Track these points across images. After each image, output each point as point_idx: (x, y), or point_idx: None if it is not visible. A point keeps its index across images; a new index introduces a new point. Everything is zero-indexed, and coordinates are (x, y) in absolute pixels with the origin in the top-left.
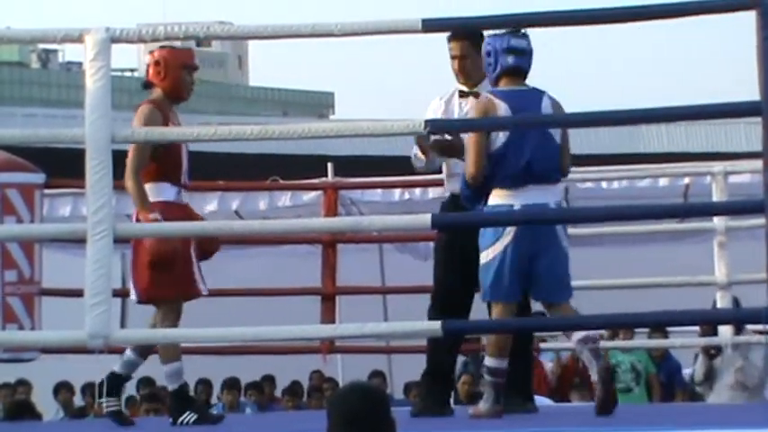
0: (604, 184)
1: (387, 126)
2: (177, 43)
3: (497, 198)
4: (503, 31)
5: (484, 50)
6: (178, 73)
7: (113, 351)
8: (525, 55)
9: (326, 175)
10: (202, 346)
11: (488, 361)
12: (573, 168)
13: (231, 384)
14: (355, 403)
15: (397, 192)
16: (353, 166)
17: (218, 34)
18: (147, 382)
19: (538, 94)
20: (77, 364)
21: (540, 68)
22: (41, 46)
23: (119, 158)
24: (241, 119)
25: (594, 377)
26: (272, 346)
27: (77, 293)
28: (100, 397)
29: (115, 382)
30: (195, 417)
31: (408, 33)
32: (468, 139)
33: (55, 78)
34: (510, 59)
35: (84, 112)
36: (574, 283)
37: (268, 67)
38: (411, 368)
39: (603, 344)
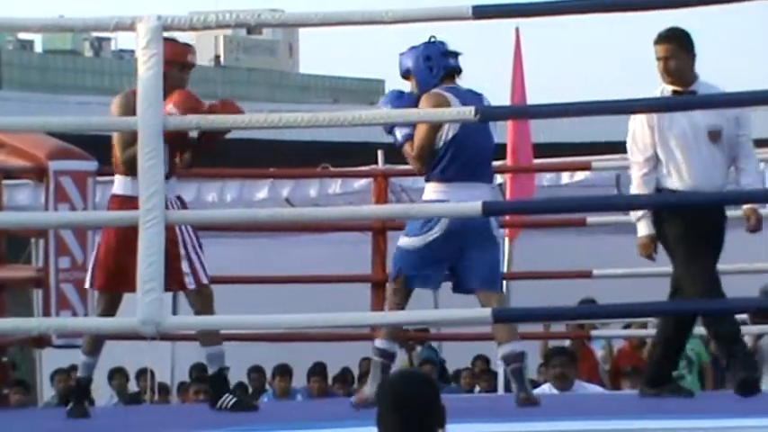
0: None
1: (437, 113)
2: (212, 34)
3: (431, 193)
4: (429, 40)
5: (420, 56)
6: (165, 67)
7: (165, 337)
8: (457, 57)
9: (377, 163)
10: (255, 333)
11: (378, 342)
12: (625, 155)
13: (282, 371)
14: (405, 390)
15: None
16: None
17: (268, 22)
18: (200, 368)
19: (478, 94)
20: (130, 350)
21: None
22: (94, 34)
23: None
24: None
25: (515, 400)
26: (322, 333)
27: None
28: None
29: None
30: (234, 401)
31: (459, 20)
32: (419, 130)
33: (107, 66)
34: (451, 61)
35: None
36: (620, 270)
37: (319, 55)
38: (461, 355)
39: (654, 331)
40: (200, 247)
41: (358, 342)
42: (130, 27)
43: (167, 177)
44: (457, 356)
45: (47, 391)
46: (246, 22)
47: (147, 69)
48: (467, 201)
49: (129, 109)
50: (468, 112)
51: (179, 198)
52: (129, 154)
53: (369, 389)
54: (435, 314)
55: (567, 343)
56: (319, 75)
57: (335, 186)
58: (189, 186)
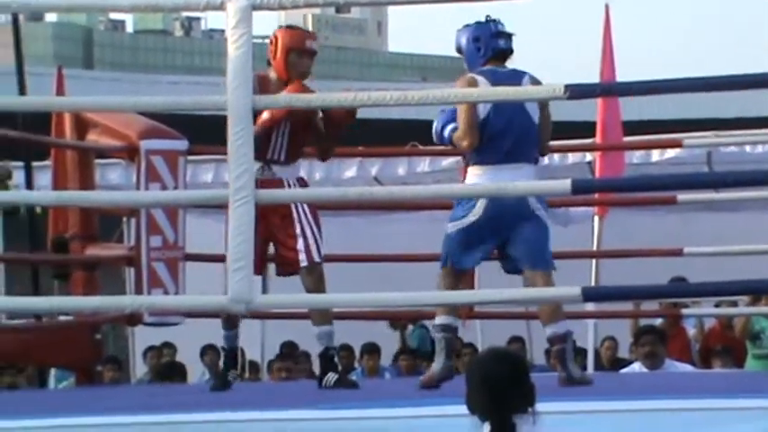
0: (748, 148)
1: (527, 91)
2: (312, 18)
3: (473, 176)
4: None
5: (470, 36)
6: (284, 55)
7: (256, 316)
8: (511, 38)
9: None
10: (344, 312)
11: (439, 319)
12: (716, 132)
13: (371, 349)
14: (494, 368)
15: None
16: None
17: (357, 1)
18: (290, 345)
19: (519, 73)
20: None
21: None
22: (184, 14)
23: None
24: (380, 85)
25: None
26: (412, 312)
27: (220, 258)
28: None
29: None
30: (336, 378)
31: None
32: (460, 111)
33: (197, 46)
34: (501, 42)
35: (226, 80)
36: (711, 248)
37: (407, 33)
38: (498, 335)
39: (746, 310)
40: (318, 225)
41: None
42: (220, 6)
43: (288, 162)
44: (493, 337)
45: (139, 368)
46: (335, 1)
47: (237, 49)
48: (508, 182)
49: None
50: (559, 89)
51: (300, 179)
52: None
53: (436, 365)
54: (523, 293)
55: (658, 322)
56: (408, 53)
57: (424, 165)
58: None
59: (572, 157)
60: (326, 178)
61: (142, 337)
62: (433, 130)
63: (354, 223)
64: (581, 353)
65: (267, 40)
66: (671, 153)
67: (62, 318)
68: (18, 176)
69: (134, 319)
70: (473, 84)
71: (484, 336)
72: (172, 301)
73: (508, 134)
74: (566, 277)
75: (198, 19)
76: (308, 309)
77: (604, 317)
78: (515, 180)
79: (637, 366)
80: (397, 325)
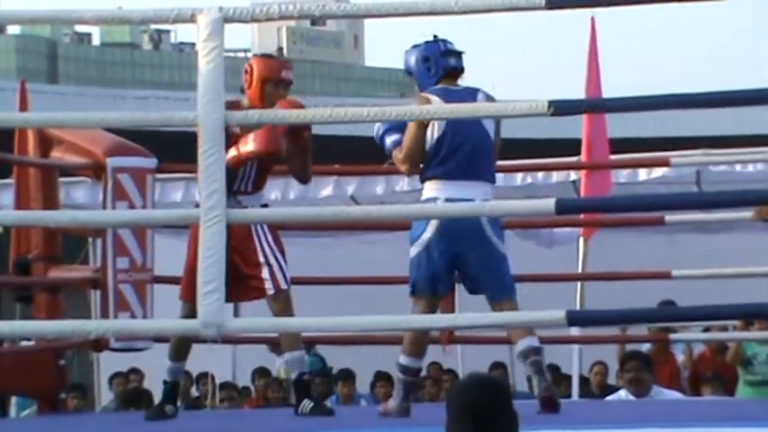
0: (738, 167)
1: (507, 107)
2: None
3: (428, 191)
4: (430, 38)
5: (420, 57)
6: (259, 85)
7: (227, 341)
8: (461, 57)
9: None
10: (318, 337)
11: (402, 359)
12: (706, 151)
13: (346, 376)
14: (476, 396)
15: (519, 176)
16: None
17: (333, 13)
18: (261, 371)
19: (472, 91)
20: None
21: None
22: (153, 26)
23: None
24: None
25: (537, 394)
26: (389, 336)
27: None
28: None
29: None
30: (311, 406)
31: (531, 10)
32: (409, 133)
33: (167, 59)
34: (452, 61)
35: (196, 95)
36: (700, 271)
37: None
38: (479, 361)
39: (737, 334)
40: (282, 251)
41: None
42: (191, 19)
43: (255, 191)
44: (474, 363)
45: (105, 396)
46: (310, 13)
47: (208, 63)
48: (461, 199)
49: None
50: (542, 105)
51: (264, 205)
52: None
53: (393, 402)
54: (506, 317)
55: (646, 347)
56: (386, 67)
57: (403, 183)
58: None
59: (556, 176)
60: (302, 197)
61: (108, 363)
62: (375, 132)
63: (330, 244)
64: (565, 379)
65: (239, 54)
66: (659, 172)
67: (24, 343)
68: None
69: (100, 344)
70: (427, 103)
71: (465, 361)
72: (139, 325)
73: (466, 151)
74: (550, 300)
75: (167, 32)
76: (278, 334)
77: (590, 342)
78: (471, 197)
79: (623, 393)
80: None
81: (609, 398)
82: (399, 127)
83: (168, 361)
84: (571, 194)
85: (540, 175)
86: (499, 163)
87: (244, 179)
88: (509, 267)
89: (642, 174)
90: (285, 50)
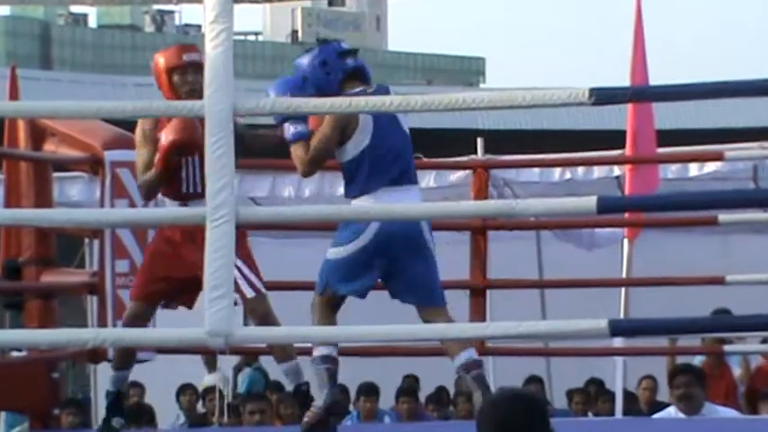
0: None
1: (546, 96)
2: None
3: (359, 202)
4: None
5: (316, 62)
6: (164, 78)
7: (235, 351)
8: (356, 54)
9: (476, 152)
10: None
11: (316, 350)
12: (763, 144)
13: (368, 391)
14: (509, 413)
15: (557, 171)
16: (507, 141)
17: None
18: (275, 385)
19: (384, 90)
20: (199, 364)
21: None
22: (156, 7)
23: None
24: None
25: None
26: (413, 347)
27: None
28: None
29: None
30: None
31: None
32: (321, 133)
33: (170, 43)
34: (349, 62)
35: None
36: (763, 275)
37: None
38: (573, 373)
39: None
40: (249, 258)
41: None
42: None
43: (201, 197)
44: (569, 374)
45: (102, 412)
46: None
47: (216, 47)
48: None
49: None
50: (582, 94)
51: None
52: (144, 179)
53: (319, 401)
54: (544, 326)
55: (698, 360)
56: (410, 52)
57: (429, 179)
58: (263, 180)
59: (598, 171)
60: (318, 194)
61: (106, 376)
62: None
63: None
64: (607, 394)
65: (250, 38)
66: (711, 167)
67: (14, 354)
68: None
69: (97, 355)
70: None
71: (497, 375)
72: (141, 334)
73: (392, 158)
74: (590, 308)
75: (171, 13)
76: (268, 345)
77: (635, 354)
78: (406, 203)
79: (672, 411)
80: (212, 361)
81: (656, 415)
82: (302, 117)
83: (112, 370)
84: (614, 192)
85: (580, 170)
86: (536, 157)
87: (189, 182)
88: (438, 274)
89: (693, 169)
90: (300, 33)
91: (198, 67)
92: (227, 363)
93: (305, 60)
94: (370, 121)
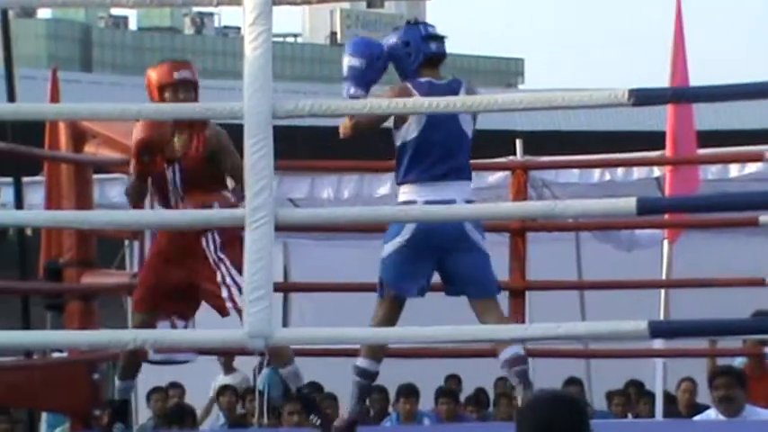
0: None
1: (585, 97)
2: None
3: (404, 194)
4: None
5: (400, 41)
6: (159, 95)
7: (275, 353)
8: (443, 42)
9: (515, 154)
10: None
11: (360, 362)
12: None
13: (408, 392)
14: (549, 414)
15: (597, 172)
16: (546, 142)
17: None
18: (312, 386)
19: (456, 84)
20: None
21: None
22: (195, 9)
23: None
24: None
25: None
26: (453, 348)
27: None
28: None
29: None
30: (319, 420)
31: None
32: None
33: (210, 45)
34: (433, 46)
35: (242, 83)
36: None
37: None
38: (612, 374)
39: None
40: (237, 263)
41: (494, 358)
42: (236, 1)
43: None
44: (609, 376)
45: (142, 413)
46: None
47: (255, 48)
48: (440, 201)
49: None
50: (622, 94)
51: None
52: (127, 185)
53: (348, 411)
54: (584, 327)
55: (738, 361)
56: (449, 53)
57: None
58: (302, 181)
59: (637, 173)
60: (357, 196)
61: (146, 378)
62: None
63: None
64: (647, 396)
65: (289, 39)
66: (752, 168)
67: (55, 355)
68: (6, 194)
69: (137, 356)
70: (405, 93)
71: (536, 377)
72: (181, 335)
73: (442, 151)
74: (630, 310)
75: (210, 15)
76: (271, 350)
77: (675, 356)
78: (451, 198)
79: (712, 413)
80: (229, 363)
81: (696, 418)
82: (366, 81)
83: (117, 380)
84: (654, 193)
85: (619, 171)
86: (575, 158)
87: (174, 196)
88: (491, 266)
89: (733, 170)
90: (339, 35)
91: (189, 85)
92: (246, 365)
93: (390, 38)
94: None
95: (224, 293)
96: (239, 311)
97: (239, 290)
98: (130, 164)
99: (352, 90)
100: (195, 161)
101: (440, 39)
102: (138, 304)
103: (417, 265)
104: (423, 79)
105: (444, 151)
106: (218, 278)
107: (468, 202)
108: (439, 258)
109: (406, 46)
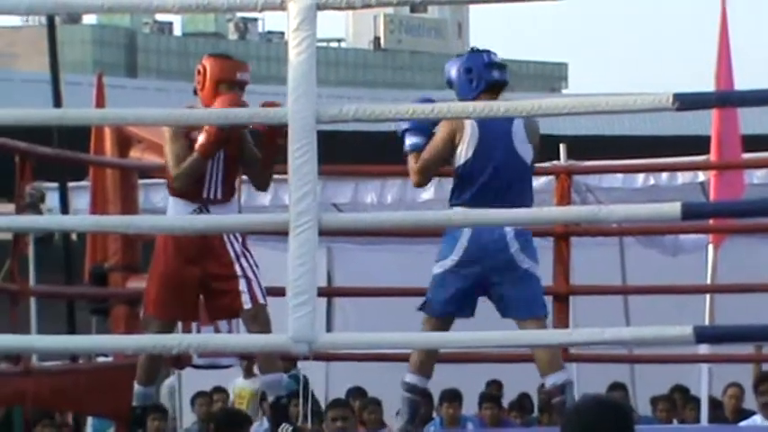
0: None
1: (629, 101)
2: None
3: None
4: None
5: (462, 67)
6: (213, 86)
7: (318, 357)
8: (504, 70)
9: (558, 158)
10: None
11: (409, 377)
12: None
13: (451, 397)
14: (594, 419)
15: (641, 177)
16: (590, 147)
17: None
18: (357, 391)
19: None
20: None
21: None
22: (239, 14)
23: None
24: None
25: None
26: (497, 353)
27: (279, 292)
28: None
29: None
30: (291, 429)
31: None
32: (432, 145)
33: (254, 50)
34: (495, 74)
35: (286, 89)
36: None
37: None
38: (657, 379)
39: None
40: (256, 265)
41: None
42: (281, 6)
43: (225, 200)
44: (654, 381)
45: (187, 417)
46: (410, 0)
47: (299, 54)
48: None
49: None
50: (666, 99)
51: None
52: (184, 166)
53: (397, 425)
54: (629, 332)
55: None
56: None
57: None
58: (345, 186)
59: (682, 177)
60: (400, 200)
61: (190, 382)
62: (396, 126)
63: (429, 252)
64: (693, 401)
65: (332, 44)
66: None
67: (101, 359)
68: (52, 199)
69: (181, 360)
70: (459, 125)
71: (580, 382)
72: (224, 340)
73: (495, 175)
74: (675, 315)
75: (254, 20)
76: (260, 355)
77: (721, 361)
78: (498, 224)
79: (758, 419)
80: (249, 367)
81: (742, 423)
82: (423, 129)
83: (137, 385)
84: (699, 197)
85: (664, 175)
86: (619, 162)
87: (212, 185)
88: (541, 288)
89: None
90: (382, 40)
91: (243, 87)
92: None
93: (453, 63)
94: (476, 135)
95: (242, 286)
96: (256, 305)
97: (260, 285)
98: (198, 143)
99: (409, 141)
100: (238, 154)
101: (502, 67)
102: (153, 310)
103: (464, 289)
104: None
105: (496, 176)
106: (238, 271)
107: (520, 233)
108: (487, 285)
109: (468, 72)
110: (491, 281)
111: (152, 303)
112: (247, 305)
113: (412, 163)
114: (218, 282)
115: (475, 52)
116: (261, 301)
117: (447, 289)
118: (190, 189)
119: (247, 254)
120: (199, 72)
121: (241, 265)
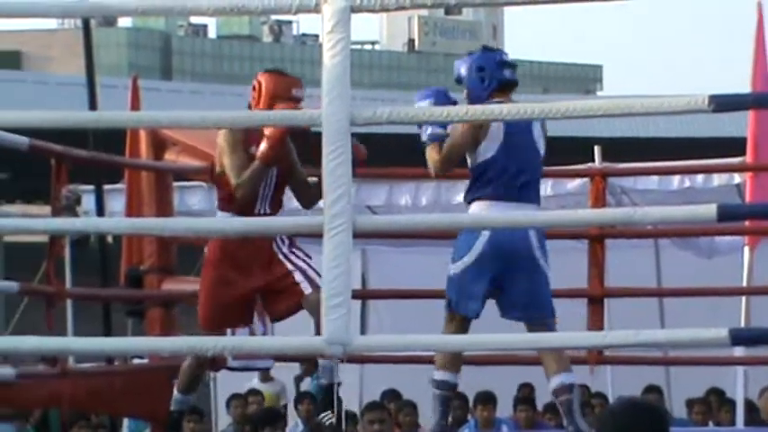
0: None
1: (664, 103)
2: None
3: (472, 208)
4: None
5: (473, 66)
6: (268, 103)
7: (352, 360)
8: (515, 69)
9: (593, 160)
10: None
11: (438, 374)
12: None
13: (485, 399)
14: (629, 422)
15: (676, 179)
16: (625, 149)
17: (470, 1)
18: (392, 393)
19: None
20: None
21: None
22: (274, 17)
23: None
24: None
25: None
26: (531, 355)
27: None
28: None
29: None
30: (333, 419)
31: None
32: (452, 139)
33: (288, 53)
34: (507, 73)
35: (320, 91)
36: None
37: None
38: (692, 382)
39: None
40: (307, 255)
41: (573, 366)
42: (315, 8)
43: (273, 213)
44: (689, 383)
45: (222, 419)
46: (445, 1)
47: (333, 56)
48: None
49: (233, 137)
50: (702, 101)
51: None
52: (247, 174)
53: (431, 424)
54: (664, 334)
55: None
56: (527, 60)
57: (546, 187)
58: (380, 189)
59: (718, 179)
60: (434, 203)
61: (225, 384)
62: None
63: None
64: (728, 404)
65: (366, 47)
66: None
67: (136, 361)
68: (88, 201)
69: (217, 363)
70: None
71: (615, 384)
72: (259, 342)
73: (516, 172)
74: (710, 317)
75: (289, 23)
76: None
77: (757, 364)
78: (533, 226)
79: None
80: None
81: None
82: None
83: (176, 392)
84: (735, 199)
85: (699, 177)
86: (654, 164)
87: (263, 200)
88: (548, 286)
89: None
90: (417, 42)
91: (298, 103)
92: (285, 373)
93: (464, 61)
94: (501, 133)
95: (298, 277)
96: (317, 288)
97: (316, 271)
98: (259, 150)
99: (429, 130)
100: (287, 165)
101: (514, 66)
102: (209, 324)
103: (481, 286)
104: (497, 101)
105: (517, 173)
106: (290, 266)
107: (537, 230)
108: (499, 276)
109: (480, 71)
110: (503, 273)
111: (204, 319)
112: (308, 290)
113: (433, 153)
114: (274, 284)
115: (487, 51)
116: (320, 284)
117: (463, 288)
118: (243, 204)
119: (297, 251)
120: (254, 88)
121: (292, 261)
